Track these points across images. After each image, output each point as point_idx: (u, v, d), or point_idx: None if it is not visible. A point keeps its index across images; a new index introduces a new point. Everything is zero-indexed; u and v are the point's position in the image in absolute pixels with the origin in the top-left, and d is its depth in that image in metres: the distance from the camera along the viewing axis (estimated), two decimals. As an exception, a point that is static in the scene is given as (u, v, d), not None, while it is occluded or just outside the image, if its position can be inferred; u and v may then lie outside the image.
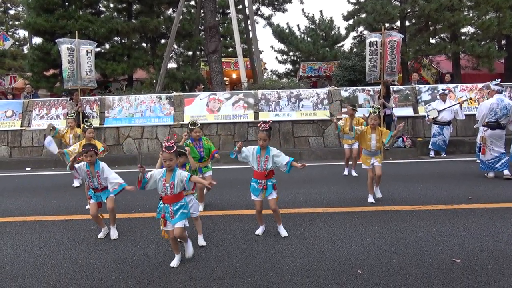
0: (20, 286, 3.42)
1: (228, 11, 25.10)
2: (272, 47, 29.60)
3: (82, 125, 6.37)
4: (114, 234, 4.62)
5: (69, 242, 4.50)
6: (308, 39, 25.67)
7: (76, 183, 7.49)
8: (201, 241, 4.31)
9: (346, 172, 7.78)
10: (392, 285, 3.21)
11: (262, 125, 4.28)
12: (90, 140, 6.09)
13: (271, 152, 4.30)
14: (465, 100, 10.55)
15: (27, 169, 10.27)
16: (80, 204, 6.15)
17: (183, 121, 11.12)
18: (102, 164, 4.62)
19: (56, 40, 10.08)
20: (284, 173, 4.46)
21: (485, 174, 7.22)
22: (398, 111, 10.68)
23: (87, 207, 5.87)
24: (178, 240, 3.77)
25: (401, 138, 10.52)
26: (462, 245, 4.01)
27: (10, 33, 28.61)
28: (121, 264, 3.82)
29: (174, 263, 3.74)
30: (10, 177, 9.02)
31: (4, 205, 6.30)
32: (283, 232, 4.45)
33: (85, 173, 4.57)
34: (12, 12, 31.60)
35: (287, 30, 25.53)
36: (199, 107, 11.19)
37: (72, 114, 7.35)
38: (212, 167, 5.85)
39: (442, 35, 16.98)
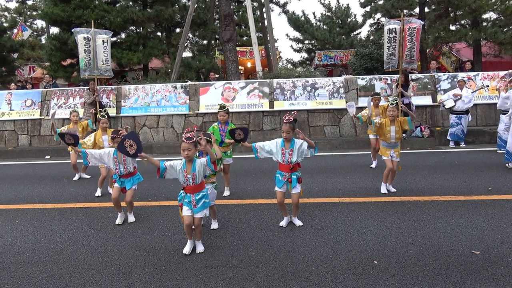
0: (41, 271, 3.51)
1: (243, -1, 24.91)
2: (287, 35, 29.27)
3: (97, 115, 6.40)
4: (131, 218, 4.83)
5: (88, 229, 4.59)
6: (324, 27, 25.30)
7: (76, 176, 7.40)
8: (214, 225, 4.47)
9: (374, 165, 7.43)
10: (409, 276, 3.18)
11: (286, 118, 4.21)
12: (106, 130, 6.15)
13: (296, 145, 4.24)
14: (480, 88, 10.27)
15: (46, 157, 10.48)
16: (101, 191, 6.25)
17: (198, 110, 11.14)
18: None
19: (72, 30, 10.15)
20: (310, 158, 4.45)
21: (506, 164, 7.04)
22: (417, 100, 10.47)
23: (97, 194, 6.03)
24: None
25: (419, 128, 10.34)
26: (482, 237, 3.93)
27: (28, 24, 29.08)
28: (138, 251, 3.88)
29: (187, 249, 3.78)
30: (30, 165, 9.23)
31: (25, 192, 6.45)
32: (298, 222, 4.46)
33: (111, 161, 4.67)
34: (30, 2, 32.03)
35: (302, 18, 25.20)
36: (214, 96, 11.18)
37: (104, 114, 7.14)
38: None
39: (462, 22, 16.49)
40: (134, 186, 4.79)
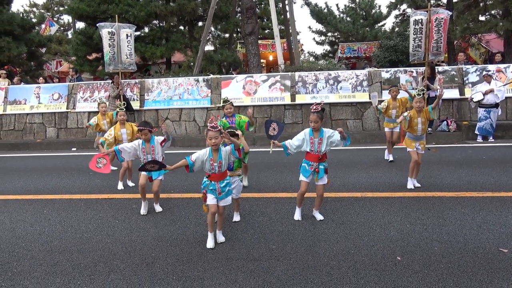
0: (68, 260, 3.62)
1: (265, -8, 24.72)
2: (309, 27, 28.97)
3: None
4: (158, 208, 4.96)
5: (112, 219, 4.70)
6: (348, 18, 24.90)
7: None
8: (236, 218, 4.50)
9: (391, 157, 7.33)
10: (433, 273, 3.11)
11: (314, 107, 4.17)
12: (124, 123, 6.26)
13: (325, 134, 4.20)
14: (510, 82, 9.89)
15: (73, 149, 10.78)
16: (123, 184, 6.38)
17: (220, 103, 11.18)
18: (156, 138, 4.84)
19: (97, 25, 10.34)
20: (332, 152, 4.40)
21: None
22: (443, 93, 10.16)
23: (119, 187, 6.13)
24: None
25: (445, 122, 10.06)
26: (510, 234, 3.80)
27: (55, 19, 29.82)
28: (161, 242, 3.94)
29: (210, 244, 3.79)
30: (58, 157, 9.51)
31: (53, 183, 6.66)
32: (319, 216, 4.43)
33: (140, 151, 4.77)
34: (57, -3, 32.82)
35: (325, 10, 24.83)
36: (236, 90, 11.19)
37: (103, 99, 7.29)
38: (250, 150, 5.86)
39: (493, 12, 15.89)
40: (160, 176, 4.84)
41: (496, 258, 3.33)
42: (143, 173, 4.78)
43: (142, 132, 4.74)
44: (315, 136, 4.22)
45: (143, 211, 4.85)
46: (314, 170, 4.26)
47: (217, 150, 3.75)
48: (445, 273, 3.12)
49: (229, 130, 4.04)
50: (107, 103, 7.94)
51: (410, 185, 5.53)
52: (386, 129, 7.39)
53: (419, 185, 5.54)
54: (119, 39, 9.86)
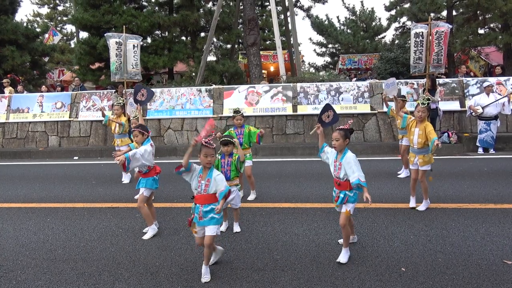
0: (72, 269, 3.62)
1: (267, 4, 25.04)
2: (310, 39, 29.15)
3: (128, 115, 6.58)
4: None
5: (116, 228, 4.70)
6: (348, 30, 25.12)
7: (126, 179, 7.29)
8: (236, 228, 4.47)
9: (402, 175, 6.93)
10: (438, 285, 3.12)
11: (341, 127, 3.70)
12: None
13: (345, 160, 3.61)
14: (510, 93, 9.94)
15: (75, 158, 10.79)
16: (125, 192, 6.40)
17: (222, 113, 11.25)
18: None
19: (105, 34, 10.43)
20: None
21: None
22: (444, 105, 10.24)
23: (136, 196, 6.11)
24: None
25: (446, 134, 10.11)
26: (514, 246, 3.81)
27: (58, 28, 30.10)
28: (165, 252, 3.95)
29: (205, 278, 3.34)
30: (60, 165, 9.53)
31: (56, 192, 6.66)
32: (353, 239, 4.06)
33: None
34: (60, 8, 33.20)
35: (326, 22, 25.06)
36: (238, 100, 11.26)
37: (119, 102, 7.53)
38: (253, 159, 5.90)
39: (492, 25, 16.08)
40: (145, 190, 4.41)
41: (500, 270, 3.33)
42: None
43: (133, 133, 4.53)
44: (338, 158, 3.69)
45: (147, 236, 4.39)
46: (337, 196, 3.74)
47: (209, 168, 3.40)
48: (449, 284, 3.12)
49: (224, 139, 4.05)
50: (120, 105, 7.91)
51: (411, 203, 5.12)
52: (400, 142, 7.07)
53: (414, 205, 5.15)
54: (125, 49, 9.96)
